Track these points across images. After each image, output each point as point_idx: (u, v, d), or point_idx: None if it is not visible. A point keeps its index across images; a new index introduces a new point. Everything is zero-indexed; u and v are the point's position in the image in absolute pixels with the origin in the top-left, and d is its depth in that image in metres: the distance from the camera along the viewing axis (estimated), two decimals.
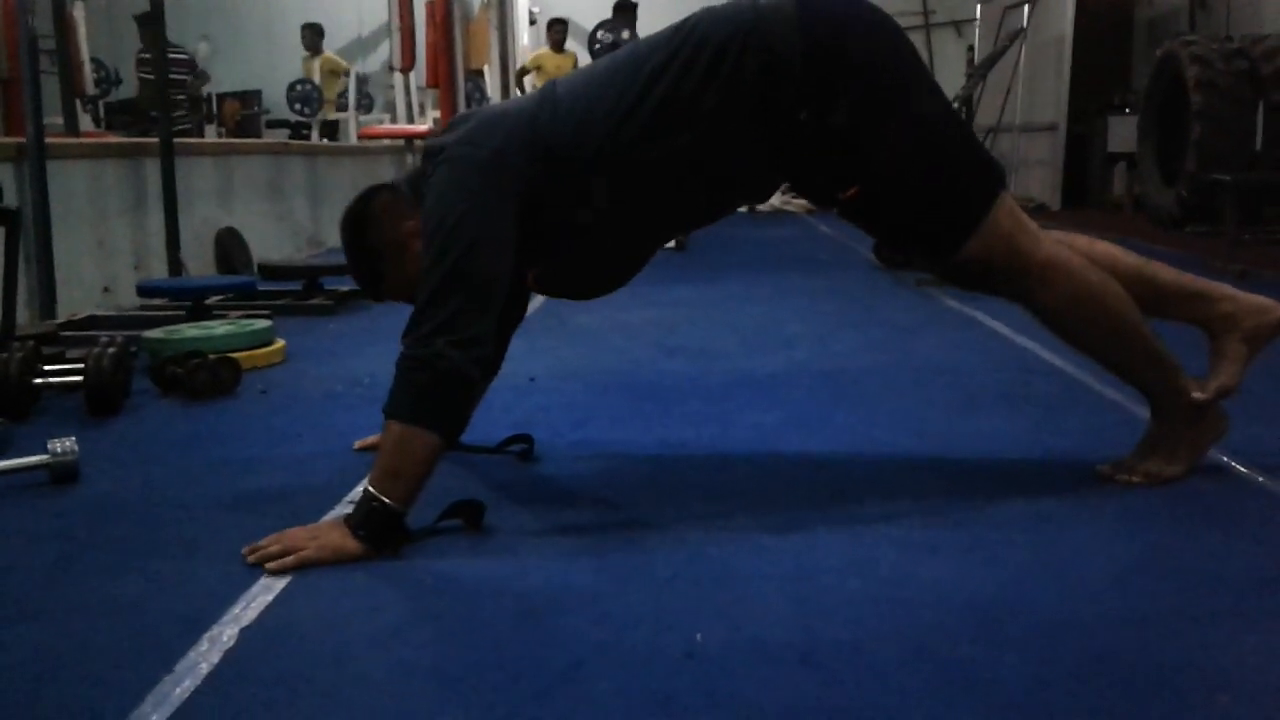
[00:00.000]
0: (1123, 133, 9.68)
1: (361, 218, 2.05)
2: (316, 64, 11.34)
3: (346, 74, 11.56)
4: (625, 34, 9.44)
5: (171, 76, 7.93)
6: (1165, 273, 2.15)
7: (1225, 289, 2.15)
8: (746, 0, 1.96)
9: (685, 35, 1.94)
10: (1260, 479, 2.12)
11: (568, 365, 3.39)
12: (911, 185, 1.96)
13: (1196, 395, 2.06)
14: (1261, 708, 1.30)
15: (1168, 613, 1.55)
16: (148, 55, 8.30)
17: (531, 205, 1.92)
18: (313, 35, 11.45)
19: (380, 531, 1.77)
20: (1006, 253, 1.97)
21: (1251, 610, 1.56)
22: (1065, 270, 1.99)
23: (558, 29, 10.21)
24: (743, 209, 10.23)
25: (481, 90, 9.31)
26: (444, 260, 1.83)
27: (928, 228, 2.00)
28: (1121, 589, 1.64)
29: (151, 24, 7.94)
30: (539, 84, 10.44)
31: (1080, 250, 2.09)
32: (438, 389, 1.81)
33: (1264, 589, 1.63)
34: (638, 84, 1.92)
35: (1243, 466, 2.19)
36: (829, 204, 2.02)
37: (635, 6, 10.17)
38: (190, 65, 8.90)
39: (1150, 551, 1.79)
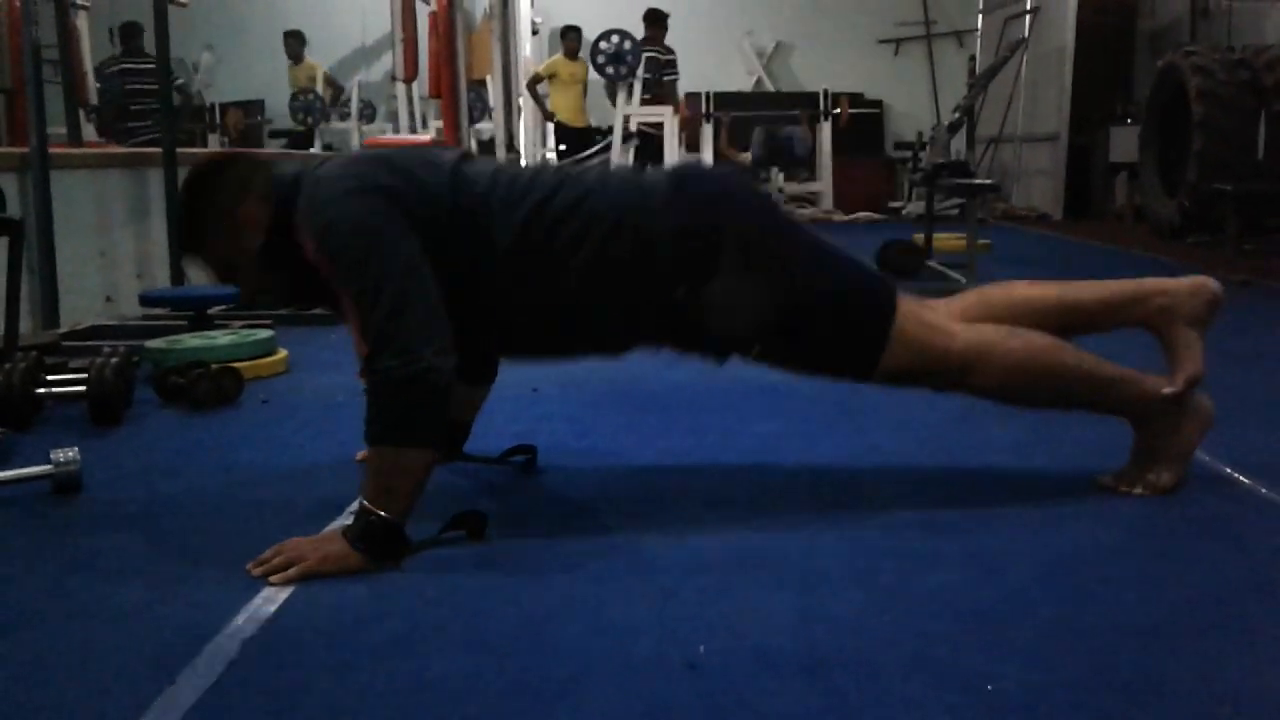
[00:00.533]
0: (1124, 143, 9.68)
1: (214, 178, 2.01)
2: (304, 72, 11.36)
3: (329, 83, 11.58)
4: (627, 44, 9.43)
5: (140, 87, 7.92)
6: (1087, 292, 2.17)
7: (1151, 284, 2.14)
8: (633, 176, 2.05)
9: (579, 196, 1.96)
10: (1263, 490, 2.12)
11: (570, 376, 3.38)
12: (805, 335, 2.03)
13: (1168, 390, 2.05)
14: (1263, 719, 1.29)
15: (1170, 622, 1.55)
16: (113, 68, 8.26)
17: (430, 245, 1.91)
18: (295, 43, 11.44)
19: (380, 544, 1.78)
20: (922, 358, 2.02)
21: (1254, 620, 1.56)
22: (985, 351, 2.02)
23: (572, 37, 10.18)
24: None
25: (484, 100, 9.33)
26: (388, 277, 1.81)
27: (836, 363, 2.08)
28: (1124, 599, 1.64)
29: (136, 36, 7.93)
30: (552, 91, 9.80)
31: (996, 304, 2.12)
32: (430, 404, 1.80)
33: (1266, 599, 1.63)
34: (530, 218, 1.94)
35: (1244, 476, 2.19)
36: (735, 358, 2.09)
37: (666, 17, 10.12)
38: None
39: (1152, 561, 1.79)
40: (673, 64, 9.92)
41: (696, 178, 2.09)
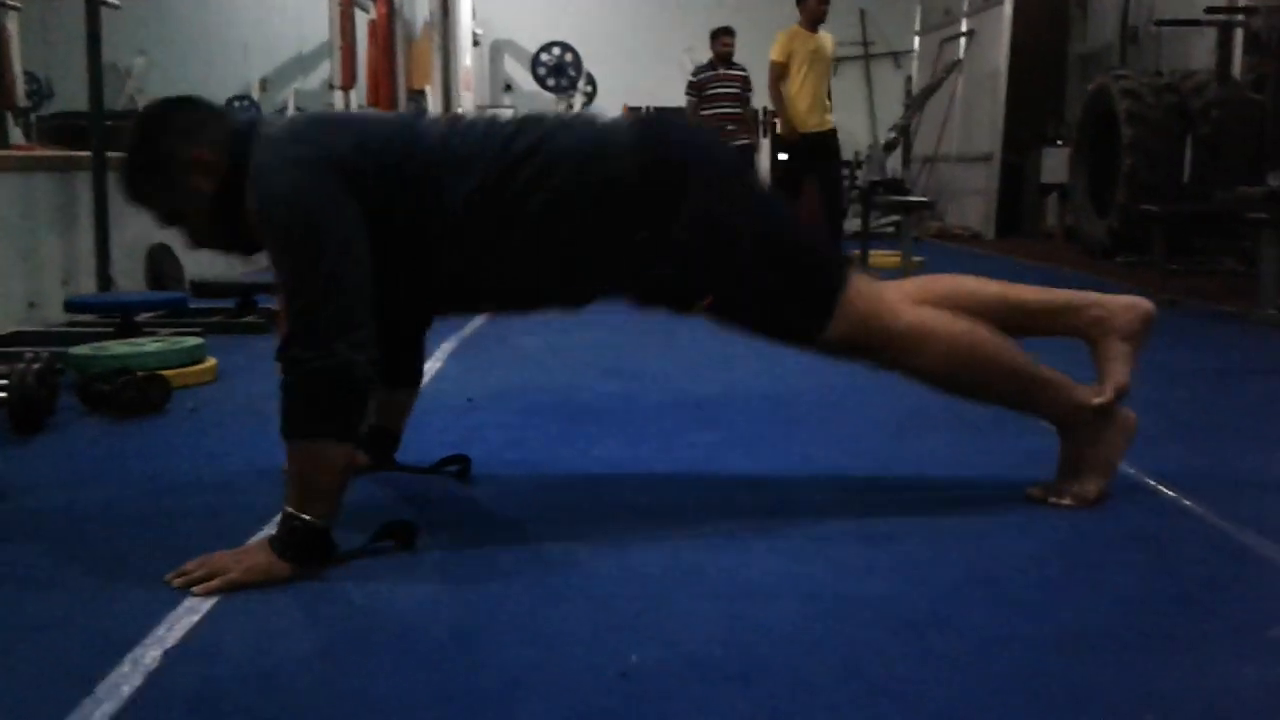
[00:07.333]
0: (1056, 164, 9.87)
1: (164, 120, 1.96)
2: None
3: None
4: (569, 56, 9.44)
5: None
6: (1029, 293, 2.21)
7: (1090, 296, 2.19)
8: (595, 120, 2.05)
9: (539, 138, 1.95)
10: (1186, 502, 2.16)
11: (505, 386, 3.37)
12: (756, 291, 2.03)
13: (1096, 400, 2.10)
14: None
15: (1096, 632, 1.57)
16: None
17: (378, 218, 1.88)
18: None
19: (306, 549, 1.75)
20: (866, 332, 2.04)
21: (1177, 631, 1.58)
22: (928, 333, 2.05)
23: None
24: None
25: (423, 109, 9.28)
26: (320, 263, 1.78)
27: (783, 325, 2.09)
28: (1051, 608, 1.65)
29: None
30: (796, 72, 6.97)
31: (942, 294, 2.15)
32: (345, 397, 1.77)
33: (1190, 610, 1.66)
34: (493, 166, 1.91)
35: (1167, 489, 2.23)
36: (687, 311, 2.07)
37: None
38: None
39: (1079, 571, 1.82)
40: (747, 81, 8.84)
41: (659, 122, 2.10)
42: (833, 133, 7.00)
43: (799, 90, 6.85)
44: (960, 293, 2.16)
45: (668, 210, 1.94)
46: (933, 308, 2.09)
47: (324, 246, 1.80)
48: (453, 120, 2.03)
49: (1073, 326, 2.16)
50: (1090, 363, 2.16)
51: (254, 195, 1.84)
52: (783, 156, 7.02)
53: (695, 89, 8.77)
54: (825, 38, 7.06)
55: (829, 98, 7.09)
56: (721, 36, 8.72)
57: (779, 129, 7.22)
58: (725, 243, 1.98)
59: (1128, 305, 2.16)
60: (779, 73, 6.89)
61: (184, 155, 1.90)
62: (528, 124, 1.99)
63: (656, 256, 1.96)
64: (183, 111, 1.96)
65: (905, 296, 2.12)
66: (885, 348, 2.06)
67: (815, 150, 6.82)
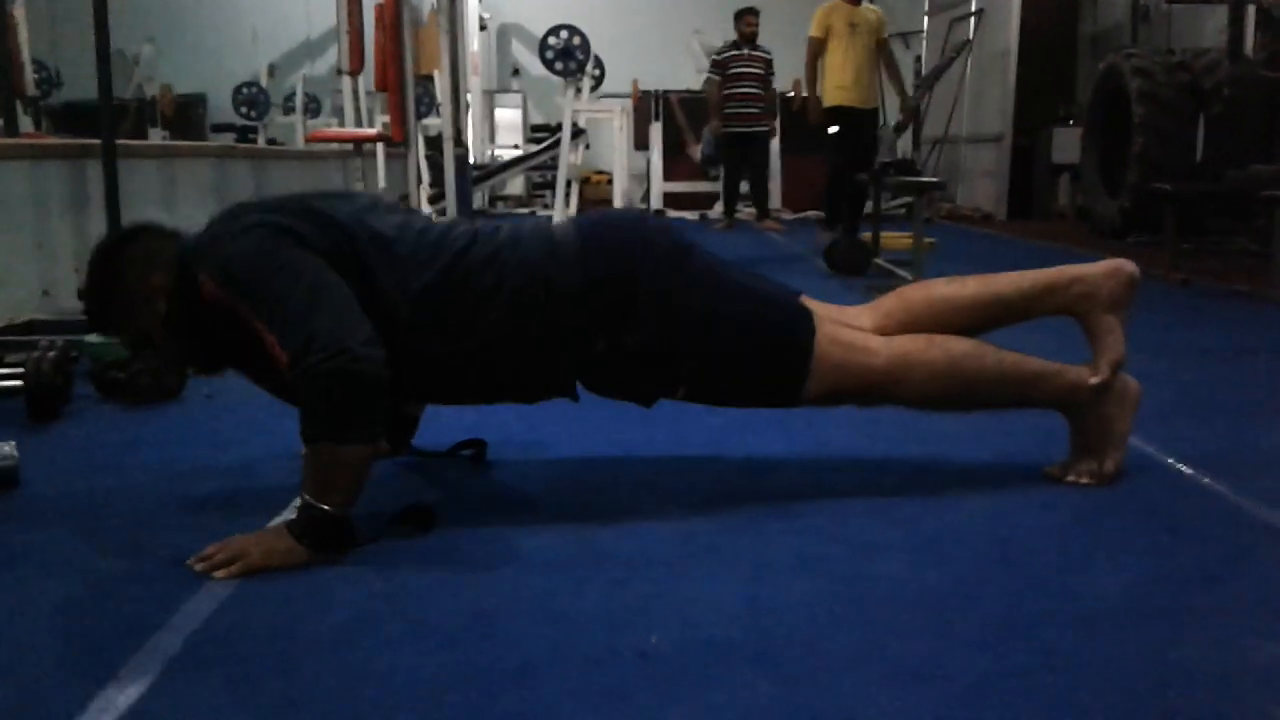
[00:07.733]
0: (1067, 144, 9.82)
1: (119, 255, 1.99)
2: None
3: None
4: (577, 39, 9.39)
5: None
6: (1006, 285, 2.17)
7: (1069, 271, 2.15)
8: (543, 231, 2.03)
9: (493, 251, 1.96)
10: (1204, 479, 2.16)
11: None
12: (726, 377, 2.05)
13: (1093, 380, 2.08)
14: (1208, 702, 1.31)
15: (1115, 609, 1.57)
16: None
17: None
18: None
19: (324, 536, 1.75)
20: (847, 378, 2.04)
21: (1196, 607, 1.58)
22: (907, 364, 2.04)
23: None
24: (694, 216, 10.21)
25: (431, 95, 9.27)
26: (300, 284, 1.79)
27: (762, 394, 2.10)
28: (1071, 586, 1.65)
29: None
30: (837, 45, 6.72)
31: (916, 305, 2.14)
32: (363, 397, 1.76)
33: (1208, 586, 1.66)
34: (444, 279, 1.93)
35: (1185, 466, 2.23)
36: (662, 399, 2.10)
37: None
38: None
39: (1097, 549, 1.81)
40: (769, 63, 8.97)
41: (604, 228, 2.07)
42: (871, 113, 6.82)
43: (841, 64, 6.64)
44: (935, 300, 2.15)
45: (621, 322, 1.95)
46: (906, 335, 2.08)
47: (299, 269, 1.82)
48: (406, 220, 2.01)
49: (1058, 306, 2.14)
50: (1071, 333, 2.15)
51: (209, 277, 1.85)
52: (833, 130, 6.77)
53: (719, 67, 8.76)
54: (868, 10, 6.82)
55: (893, 74, 6.97)
56: (746, 16, 8.75)
57: (797, 104, 7.09)
58: (684, 340, 1.99)
59: (1109, 273, 2.12)
60: (816, 49, 6.73)
61: (138, 284, 1.94)
62: (481, 235, 2.00)
63: (618, 362, 1.99)
64: (134, 242, 2.01)
65: (877, 327, 2.11)
66: (868, 391, 2.06)
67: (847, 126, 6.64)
